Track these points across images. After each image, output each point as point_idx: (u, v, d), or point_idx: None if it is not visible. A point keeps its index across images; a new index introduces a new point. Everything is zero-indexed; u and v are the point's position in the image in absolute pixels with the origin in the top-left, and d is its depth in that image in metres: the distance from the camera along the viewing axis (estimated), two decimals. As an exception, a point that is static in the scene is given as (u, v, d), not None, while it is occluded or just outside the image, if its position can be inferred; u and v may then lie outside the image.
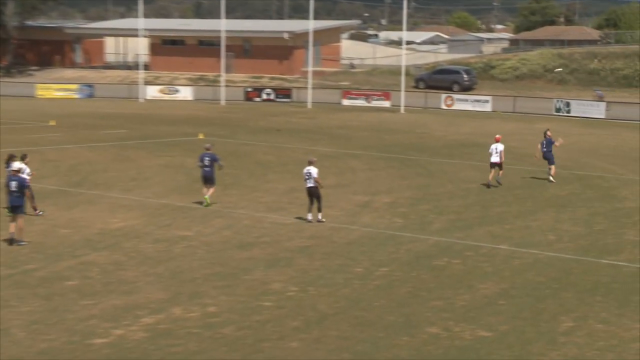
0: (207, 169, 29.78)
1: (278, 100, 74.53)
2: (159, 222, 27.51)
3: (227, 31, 75.70)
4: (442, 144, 48.11)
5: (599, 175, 37.81)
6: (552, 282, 21.44)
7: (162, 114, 62.66)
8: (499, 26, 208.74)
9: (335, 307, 19.21)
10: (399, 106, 67.91)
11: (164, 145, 45.42)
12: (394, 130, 54.72)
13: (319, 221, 27.49)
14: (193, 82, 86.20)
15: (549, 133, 36.92)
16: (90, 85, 78.73)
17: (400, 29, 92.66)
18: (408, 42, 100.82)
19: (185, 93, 76.77)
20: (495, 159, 34.58)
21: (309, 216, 27.64)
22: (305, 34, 78.33)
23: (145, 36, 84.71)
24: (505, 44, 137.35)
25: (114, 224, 27.10)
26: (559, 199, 32.43)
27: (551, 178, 36.00)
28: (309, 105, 70.08)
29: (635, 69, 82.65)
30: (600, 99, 68.95)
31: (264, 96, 75.11)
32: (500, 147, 34.61)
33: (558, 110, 65.58)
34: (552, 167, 36.18)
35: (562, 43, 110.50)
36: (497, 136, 35.75)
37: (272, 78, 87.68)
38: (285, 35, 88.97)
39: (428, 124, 58.92)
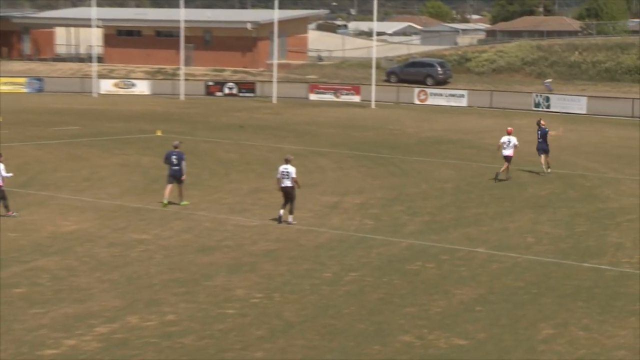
0: (175, 167, 29.95)
1: (241, 94, 74.42)
2: (113, 225, 27.38)
3: (187, 21, 75.46)
4: (415, 141, 48.27)
5: (581, 174, 38.09)
6: (531, 287, 21.57)
7: (117, 110, 62.36)
8: (475, 16, 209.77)
9: (302, 315, 19.21)
10: (370, 101, 68.05)
11: (119, 143, 45.19)
12: (364, 126, 54.80)
13: (288, 223, 27.51)
14: (150, 75, 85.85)
15: (542, 122, 37.92)
16: (39, 79, 78.18)
17: (371, 19, 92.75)
18: (379, 33, 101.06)
19: (142, 87, 76.45)
20: (508, 152, 35.38)
21: (282, 211, 27.74)
22: (270, 25, 78.25)
23: (98, 26, 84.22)
24: (482, 35, 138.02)
25: (66, 227, 26.94)
26: (539, 199, 32.64)
27: (549, 170, 37.15)
28: (274, 100, 70.06)
29: (618, 62, 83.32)
30: (549, 91, 69.51)
31: (226, 90, 74.98)
32: (513, 139, 35.49)
33: (537, 105, 65.99)
34: (547, 157, 37.31)
35: (541, 34, 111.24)
36: (509, 128, 36.80)
37: (235, 71, 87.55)
38: (249, 26, 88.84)
39: (400, 120, 59.08)
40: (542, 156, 37.36)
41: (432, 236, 26.64)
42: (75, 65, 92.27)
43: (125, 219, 28.29)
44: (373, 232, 27.11)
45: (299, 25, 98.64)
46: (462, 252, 24.89)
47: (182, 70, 74.70)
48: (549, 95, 66.94)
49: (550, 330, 18.50)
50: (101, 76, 79.37)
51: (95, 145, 44.11)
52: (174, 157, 30.01)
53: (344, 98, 71.99)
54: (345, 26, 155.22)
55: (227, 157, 41.33)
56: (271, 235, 26.46)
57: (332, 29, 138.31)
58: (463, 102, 69.06)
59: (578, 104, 65.00)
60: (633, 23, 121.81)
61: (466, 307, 19.96)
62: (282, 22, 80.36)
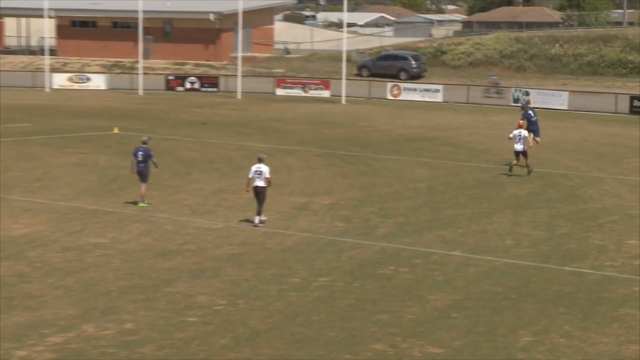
0: (141, 164, 30.09)
1: (203, 89, 74.27)
2: (68, 228, 27.26)
3: (145, 11, 75.21)
4: (387, 138, 48.39)
5: (562, 173, 38.33)
6: (510, 292, 21.69)
7: (72, 106, 62.08)
8: (451, 7, 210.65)
9: (268, 323, 19.23)
10: (340, 96, 68.11)
11: (74, 141, 44.99)
12: (334, 123, 54.87)
13: (254, 225, 27.56)
14: (107, 69, 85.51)
15: (531, 103, 41.80)
16: (-13, 73, 77.62)
17: (341, 10, 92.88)
18: (349, 25, 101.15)
19: (98, 82, 76.10)
20: (519, 147, 36.71)
21: (256, 219, 27.80)
22: (233, 15, 78.12)
23: (50, 17, 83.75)
24: (458, 27, 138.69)
25: (17, 230, 26.79)
26: (518, 200, 32.82)
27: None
28: (239, 96, 69.97)
29: (600, 55, 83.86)
30: (495, 85, 70.36)
31: (188, 85, 74.80)
32: (524, 133, 36.97)
33: (516, 100, 66.25)
34: (538, 138, 40.41)
35: (520, 25, 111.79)
36: (520, 121, 38.42)
37: (197, 65, 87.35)
38: (212, 17, 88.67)
39: (372, 116, 59.19)
40: (537, 139, 40.24)
41: (405, 239, 26.72)
42: (26, 58, 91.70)
43: (80, 221, 28.18)
44: (343, 234, 27.16)
45: (265, 16, 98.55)
46: (436, 255, 24.99)
47: (141, 63, 74.41)
48: (529, 90, 67.26)
49: (530, 338, 18.62)
50: (54, 70, 78.92)
51: (48, 144, 43.87)
52: (140, 153, 30.09)
53: (313, 93, 72.02)
54: (314, 17, 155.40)
55: (188, 156, 41.25)
56: (235, 238, 26.45)
57: (300, 19, 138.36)
58: (438, 97, 69.25)
59: (559, 99, 65.34)
60: (616, 14, 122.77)
61: (441, 314, 20.04)
62: (246, 13, 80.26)
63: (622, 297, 21.51)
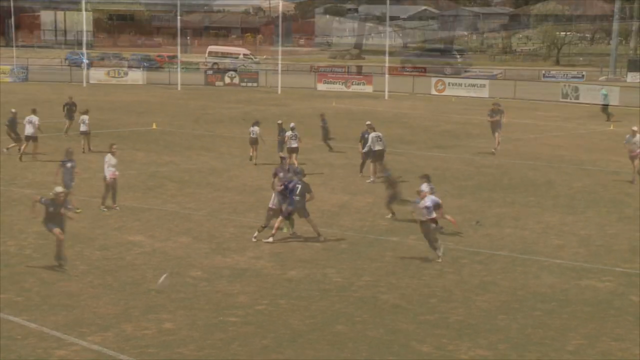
0: (296, 197, 25.95)
1: (243, 84, 74.50)
2: (106, 226, 27.44)
3: (184, 4, 75.52)
4: (431, 134, 48.29)
5: (614, 171, 38.07)
6: (558, 294, 21.59)
7: (109, 101, 62.50)
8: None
9: (310, 323, 19.26)
10: (383, 92, 68.06)
11: (111, 137, 45.20)
12: (376, 119, 54.76)
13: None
14: (145, 63, 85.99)
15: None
16: (24, 67, 78.30)
17: (383, 3, 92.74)
18: (392, 18, 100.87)
19: (136, 76, 76.57)
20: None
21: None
22: (274, 9, 78.20)
23: (88, 10, 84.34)
24: (504, 20, 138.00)
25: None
26: (567, 199, 32.64)
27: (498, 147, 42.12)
28: (279, 91, 70.10)
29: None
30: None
31: (227, 80, 75.06)
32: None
33: (565, 95, 65.94)
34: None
35: (568, 19, 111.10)
36: (634, 128, 37.03)
37: (236, 59, 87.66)
38: (251, 10, 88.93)
39: (416, 111, 59.07)
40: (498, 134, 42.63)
41: (451, 238, 26.65)
42: (63, 53, 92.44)
43: (119, 219, 28.37)
44: (387, 233, 27.14)
45: (306, 9, 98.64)
46: (483, 255, 24.91)
47: (179, 58, 74.74)
48: (578, 85, 66.84)
49: (580, 341, 18.52)
50: (91, 64, 79.43)
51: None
52: (298, 186, 26.02)
53: (355, 88, 72.01)
54: (356, 10, 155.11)
55: (228, 152, 41.37)
56: (277, 236, 26.47)
57: (342, 13, 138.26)
58: (484, 93, 69.03)
59: (610, 95, 64.75)
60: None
61: (488, 315, 19.98)
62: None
63: (676, 300, 21.35)
